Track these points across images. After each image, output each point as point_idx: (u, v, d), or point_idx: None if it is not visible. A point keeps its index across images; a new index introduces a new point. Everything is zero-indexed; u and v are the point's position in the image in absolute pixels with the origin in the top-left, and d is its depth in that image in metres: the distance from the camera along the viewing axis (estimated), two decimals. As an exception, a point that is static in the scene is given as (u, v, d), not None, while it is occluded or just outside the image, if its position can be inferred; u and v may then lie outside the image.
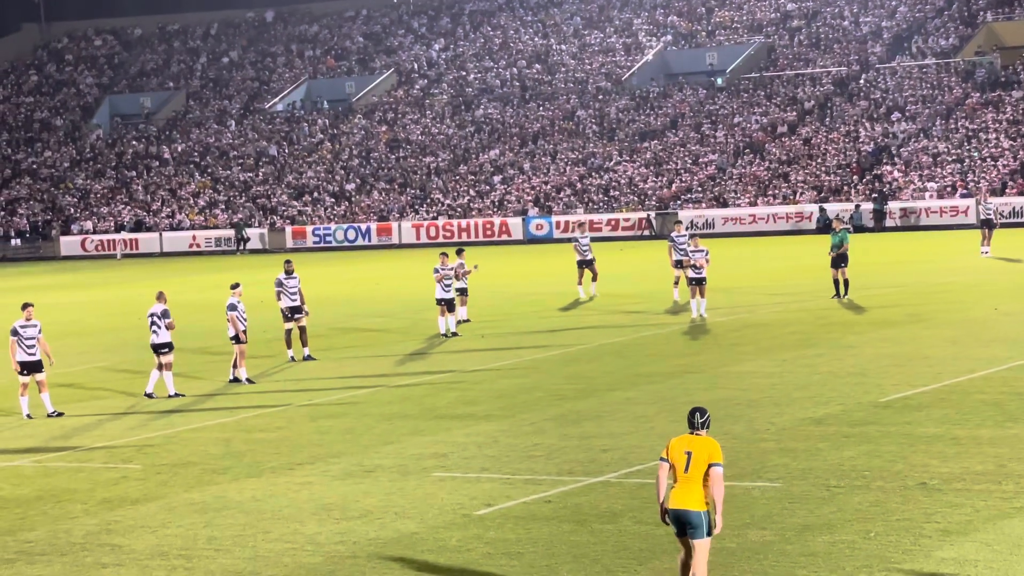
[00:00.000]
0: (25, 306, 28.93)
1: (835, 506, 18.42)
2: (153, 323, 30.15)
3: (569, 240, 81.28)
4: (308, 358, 35.00)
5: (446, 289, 38.24)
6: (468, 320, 40.86)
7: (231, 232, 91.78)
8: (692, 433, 14.71)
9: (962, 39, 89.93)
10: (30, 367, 28.41)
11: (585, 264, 45.97)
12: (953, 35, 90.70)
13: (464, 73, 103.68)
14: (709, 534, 14.50)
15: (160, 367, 30.09)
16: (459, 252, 41.57)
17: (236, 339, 31.73)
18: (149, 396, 30.12)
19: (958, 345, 31.73)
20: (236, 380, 31.93)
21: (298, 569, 17.09)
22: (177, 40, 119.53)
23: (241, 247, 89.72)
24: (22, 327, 28.42)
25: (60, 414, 28.54)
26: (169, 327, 30.05)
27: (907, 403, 25.10)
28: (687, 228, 46.01)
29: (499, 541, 17.69)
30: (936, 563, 15.91)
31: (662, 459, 14.76)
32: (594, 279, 46.10)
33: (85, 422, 28.03)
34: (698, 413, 14.74)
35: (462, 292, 40.75)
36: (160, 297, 30.63)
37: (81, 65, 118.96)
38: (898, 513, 17.93)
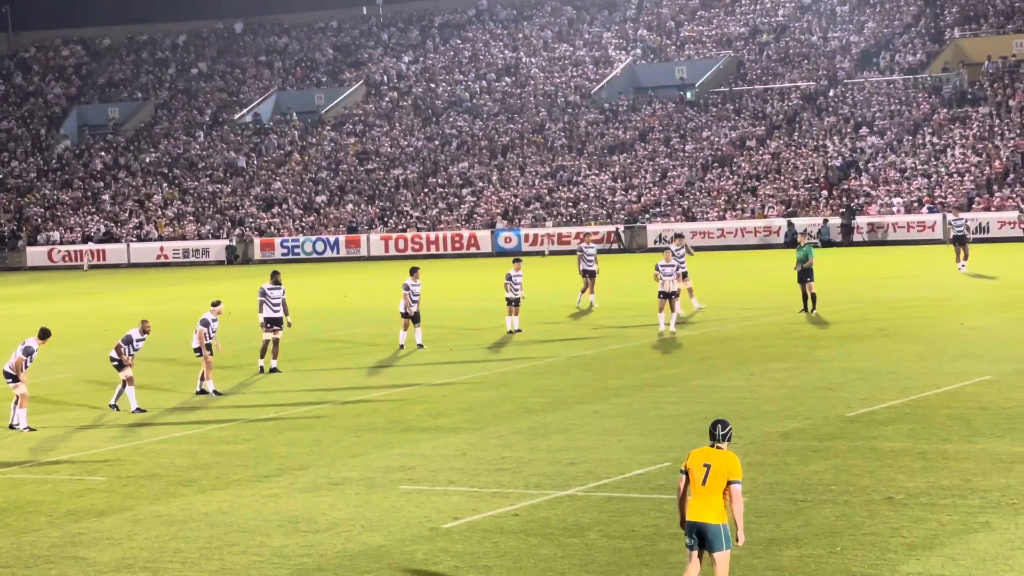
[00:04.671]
0: (46, 334, 28.82)
1: (802, 520, 18.46)
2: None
3: (538, 252, 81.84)
4: (274, 370, 34.89)
5: (413, 301, 38.08)
6: (520, 330, 40.63)
7: (199, 243, 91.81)
8: (712, 445, 14.73)
9: (929, 55, 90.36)
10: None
11: (588, 274, 46.24)
12: (921, 51, 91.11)
13: (433, 85, 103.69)
14: (728, 546, 14.56)
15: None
16: (515, 262, 41.99)
17: (199, 351, 31.66)
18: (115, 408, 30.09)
19: (925, 360, 31.84)
20: (203, 392, 31.84)
21: (264, 582, 17.05)
22: (146, 51, 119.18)
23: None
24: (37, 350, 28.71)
25: (33, 430, 28.40)
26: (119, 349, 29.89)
27: (874, 418, 25.18)
28: (664, 240, 46.11)
29: (466, 554, 17.67)
30: (902, 577, 15.97)
31: (682, 471, 14.80)
32: (591, 290, 46.32)
33: (51, 434, 27.88)
34: (719, 425, 14.78)
35: (515, 302, 40.77)
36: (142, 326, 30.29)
37: (49, 75, 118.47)
38: (864, 527, 17.98)
